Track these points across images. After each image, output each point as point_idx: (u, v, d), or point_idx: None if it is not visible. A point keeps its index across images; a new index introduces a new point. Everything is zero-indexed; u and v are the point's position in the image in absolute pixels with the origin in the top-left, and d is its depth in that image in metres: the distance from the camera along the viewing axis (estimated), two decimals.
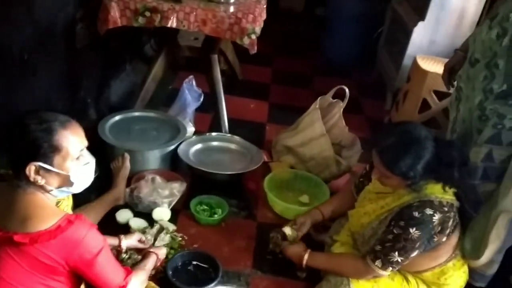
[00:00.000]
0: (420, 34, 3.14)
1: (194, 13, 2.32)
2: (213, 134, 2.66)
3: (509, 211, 1.74)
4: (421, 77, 2.91)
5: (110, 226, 2.02)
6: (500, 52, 1.67)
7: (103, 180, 2.23)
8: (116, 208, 2.11)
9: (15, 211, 1.25)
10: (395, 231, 1.62)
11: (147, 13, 2.35)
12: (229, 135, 2.67)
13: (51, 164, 1.26)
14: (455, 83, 2.04)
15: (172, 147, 2.40)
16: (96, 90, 2.85)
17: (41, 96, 2.19)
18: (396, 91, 3.34)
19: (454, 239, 1.73)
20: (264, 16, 2.56)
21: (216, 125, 2.83)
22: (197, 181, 2.39)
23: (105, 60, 2.92)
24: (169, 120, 2.61)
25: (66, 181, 1.31)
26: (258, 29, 2.38)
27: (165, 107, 2.96)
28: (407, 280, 1.78)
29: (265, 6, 2.61)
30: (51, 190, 1.31)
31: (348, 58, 4.19)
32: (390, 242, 1.63)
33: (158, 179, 2.27)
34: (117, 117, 2.53)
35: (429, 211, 1.58)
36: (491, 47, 1.71)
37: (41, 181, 1.27)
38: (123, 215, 2.09)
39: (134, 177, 2.26)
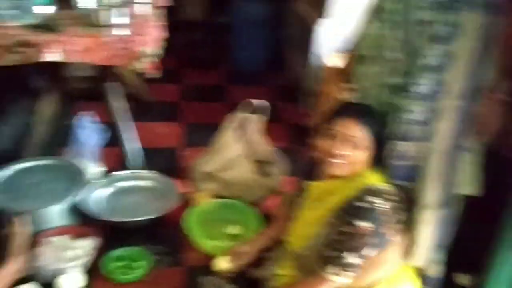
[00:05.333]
0: (325, 31, 3.06)
1: (77, 42, 2.02)
2: (121, 173, 2.37)
3: (431, 206, 1.64)
4: (332, 76, 2.80)
5: None
6: (391, 45, 1.58)
7: None
8: (18, 283, 1.77)
9: None
10: (341, 229, 1.49)
11: (21, 49, 2.02)
12: (139, 171, 2.39)
13: None
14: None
15: (74, 198, 2.08)
16: None
17: None
18: (310, 92, 3.24)
19: (402, 238, 1.62)
20: (161, 34, 2.31)
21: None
22: (112, 232, 2.08)
23: None
24: (68, 165, 2.27)
25: None
26: (153, 51, 2.13)
27: (64, 148, 2.62)
28: None
29: (158, 23, 2.36)
30: None
31: (258, 63, 4.06)
32: (339, 243, 1.49)
33: (62, 239, 1.95)
34: (3, 173, 2.16)
35: (371, 199, 1.48)
36: (378, 40, 1.64)
37: None
38: None
39: (32, 242, 1.92)
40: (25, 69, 3.07)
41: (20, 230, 1.89)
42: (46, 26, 2.10)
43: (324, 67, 2.89)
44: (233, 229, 2.16)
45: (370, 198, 1.48)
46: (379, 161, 1.61)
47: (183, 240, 2.13)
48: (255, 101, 2.38)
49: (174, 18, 2.71)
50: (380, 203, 1.48)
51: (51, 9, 2.27)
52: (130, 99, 3.12)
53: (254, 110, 2.41)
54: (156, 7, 2.58)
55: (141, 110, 3.21)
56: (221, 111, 3.30)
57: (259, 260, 1.90)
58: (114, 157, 2.65)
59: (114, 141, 2.61)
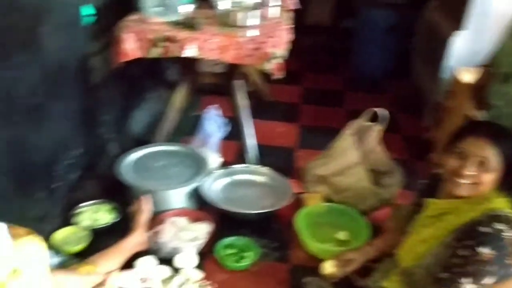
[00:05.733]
0: (460, 44, 2.88)
1: (213, 40, 2.17)
2: (239, 166, 2.48)
3: None
4: (464, 91, 2.65)
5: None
6: None
7: (126, 224, 2.10)
8: (139, 255, 1.96)
9: None
10: (462, 253, 1.41)
11: (163, 43, 2.22)
12: (255, 166, 2.49)
13: None
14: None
15: (195, 184, 2.24)
16: (117, 124, 2.74)
17: (57, 139, 2.08)
18: (435, 106, 3.08)
19: None
20: (289, 37, 2.39)
21: (243, 155, 2.66)
22: (225, 220, 2.21)
23: (125, 90, 2.80)
24: (192, 153, 2.46)
25: None
26: (282, 53, 2.21)
27: (189, 136, 2.83)
28: None
29: (290, 26, 2.43)
30: None
31: (381, 71, 3.97)
32: (458, 266, 1.41)
33: (182, 221, 2.11)
34: (136, 154, 2.39)
35: (498, 226, 1.38)
36: None
37: None
38: (145, 263, 1.93)
39: (156, 220, 2.11)
40: (163, 62, 3.39)
41: (145, 208, 2.09)
42: (187, 23, 2.28)
43: (455, 81, 2.74)
44: (341, 235, 2.15)
45: (496, 225, 1.38)
46: (509, 185, 1.50)
47: (291, 238, 2.18)
48: (376, 110, 2.34)
49: (300, 21, 2.76)
50: (507, 231, 1.38)
51: (192, 8, 2.46)
52: (252, 97, 3.27)
53: (375, 119, 2.38)
54: (286, 10, 2.66)
55: (261, 109, 3.32)
56: (338, 116, 3.33)
57: (365, 270, 1.88)
58: (232, 150, 2.79)
59: (234, 135, 2.74)
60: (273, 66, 2.19)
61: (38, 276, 1.24)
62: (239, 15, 2.26)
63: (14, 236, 1.17)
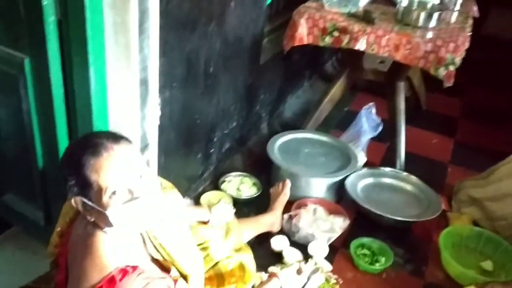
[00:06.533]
0: None
1: (387, 37, 2.12)
2: (387, 169, 2.41)
3: None
4: None
5: (263, 252, 1.96)
6: None
7: (263, 201, 2.19)
8: (272, 234, 2.03)
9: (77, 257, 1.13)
10: None
11: (335, 33, 2.23)
12: (405, 173, 2.38)
13: (90, 199, 1.08)
14: None
15: (340, 177, 2.23)
16: (272, 105, 2.84)
17: (221, 107, 2.23)
18: None
19: None
20: (467, 44, 2.23)
21: (390, 158, 2.57)
22: (361, 219, 2.18)
23: (284, 75, 2.89)
24: (341, 146, 2.45)
25: (106, 220, 1.07)
26: (458, 60, 2.07)
27: (337, 130, 2.83)
28: None
29: (470, 33, 2.27)
30: (105, 229, 1.12)
31: None
32: None
33: (320, 210, 2.12)
34: (288, 137, 2.46)
35: None
36: None
37: (90, 217, 1.11)
38: (279, 243, 1.99)
39: (295, 204, 2.16)
40: (324, 53, 3.42)
41: (284, 192, 2.14)
42: (362, 17, 2.25)
43: None
44: (487, 265, 1.98)
45: None
46: None
47: (428, 253, 2.07)
48: None
49: (474, 30, 2.55)
50: None
51: (367, 1, 2.42)
52: (408, 102, 3.14)
53: None
54: (469, 17, 2.49)
55: (416, 116, 3.17)
56: (501, 138, 3.04)
57: None
58: (377, 152, 2.71)
59: (382, 137, 2.66)
60: (444, 73, 2.07)
61: (179, 226, 1.34)
62: (422, 15, 2.16)
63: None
